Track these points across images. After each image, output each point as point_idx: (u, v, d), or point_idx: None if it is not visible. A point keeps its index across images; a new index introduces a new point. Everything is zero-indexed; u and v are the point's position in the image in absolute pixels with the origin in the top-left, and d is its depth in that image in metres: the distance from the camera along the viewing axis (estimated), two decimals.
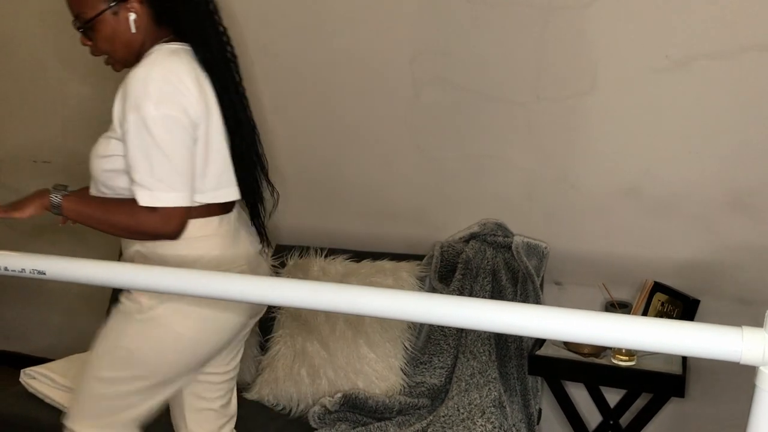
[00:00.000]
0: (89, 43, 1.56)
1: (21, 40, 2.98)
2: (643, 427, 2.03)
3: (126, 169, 1.48)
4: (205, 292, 0.85)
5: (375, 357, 2.26)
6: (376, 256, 2.41)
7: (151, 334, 1.55)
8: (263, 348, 2.47)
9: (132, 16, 1.51)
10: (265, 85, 2.61)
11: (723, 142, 2.09)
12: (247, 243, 1.67)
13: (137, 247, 1.57)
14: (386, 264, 2.37)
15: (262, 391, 2.34)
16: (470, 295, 2.31)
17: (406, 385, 2.26)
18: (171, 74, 1.45)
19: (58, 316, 3.14)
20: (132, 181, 1.46)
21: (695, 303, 2.04)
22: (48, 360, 2.47)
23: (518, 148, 2.32)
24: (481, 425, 2.03)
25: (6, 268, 0.90)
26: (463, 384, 2.18)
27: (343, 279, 2.35)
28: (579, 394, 2.25)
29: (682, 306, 2.05)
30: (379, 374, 2.25)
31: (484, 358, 2.20)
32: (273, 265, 2.50)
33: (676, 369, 1.95)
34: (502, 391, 2.17)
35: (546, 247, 2.28)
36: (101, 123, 1.59)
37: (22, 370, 2.32)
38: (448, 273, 2.34)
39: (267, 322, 2.48)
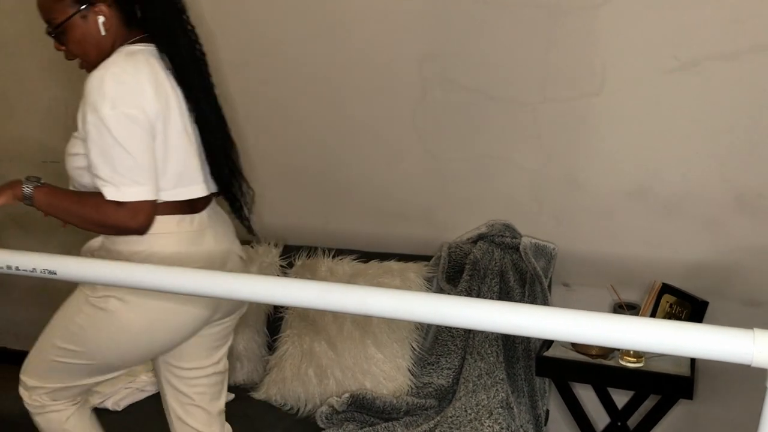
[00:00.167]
0: (62, 47, 1.61)
1: (28, 40, 2.99)
2: (651, 429, 2.02)
3: (89, 167, 1.52)
4: (218, 292, 0.85)
5: (382, 357, 2.26)
6: (383, 256, 2.41)
7: (98, 320, 1.59)
8: (271, 348, 2.47)
9: (101, 19, 1.56)
10: (272, 86, 2.61)
11: (731, 144, 2.08)
12: (213, 242, 1.67)
13: (102, 239, 1.62)
14: (393, 265, 2.37)
15: (270, 391, 2.35)
16: (478, 296, 2.31)
17: (413, 386, 2.26)
18: (125, 74, 1.49)
19: None
20: (97, 178, 1.50)
21: (704, 305, 2.03)
22: None
23: (526, 149, 2.32)
24: (489, 426, 2.03)
25: (17, 268, 0.90)
26: (471, 385, 2.18)
27: (350, 279, 2.36)
28: (587, 395, 2.25)
29: (690, 308, 2.05)
30: (387, 375, 2.25)
31: (491, 359, 2.20)
32: (281, 266, 2.51)
33: (685, 371, 1.94)
34: (510, 392, 2.16)
35: (554, 248, 2.28)
36: None
37: None
38: (456, 274, 2.34)
39: (275, 322, 2.49)
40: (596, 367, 2.00)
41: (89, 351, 1.62)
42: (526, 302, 2.25)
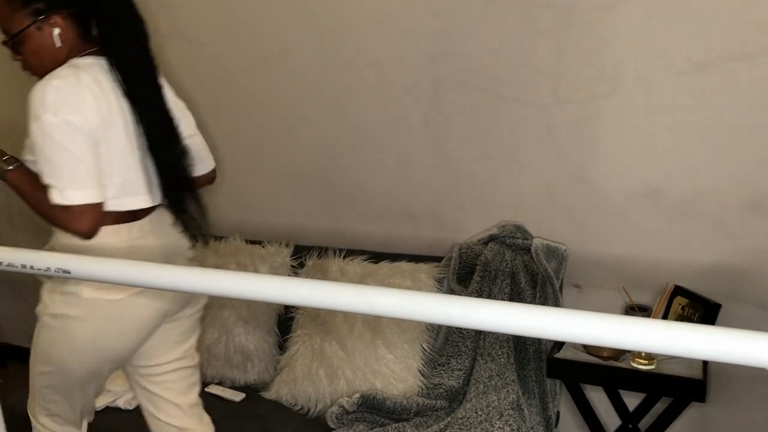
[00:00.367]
0: (19, 57, 1.64)
1: None
2: (663, 431, 2.01)
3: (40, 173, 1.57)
4: (232, 292, 0.86)
5: (393, 358, 2.26)
6: (394, 257, 2.41)
7: (55, 336, 1.65)
8: (282, 348, 2.48)
9: (56, 31, 1.59)
10: (283, 87, 2.62)
11: (744, 145, 2.07)
12: (147, 255, 1.69)
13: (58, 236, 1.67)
14: (404, 265, 2.37)
15: (281, 391, 2.36)
16: (489, 297, 2.30)
17: (423, 387, 2.26)
18: (66, 86, 1.53)
19: None
20: (47, 183, 1.54)
21: (716, 307, 2.02)
22: None
23: (538, 150, 2.31)
24: (499, 428, 2.03)
25: (32, 267, 0.91)
26: (481, 386, 2.17)
27: (361, 280, 2.36)
28: (598, 397, 2.24)
29: (702, 310, 2.03)
30: (397, 375, 2.25)
31: (502, 360, 2.19)
32: (292, 266, 2.52)
33: (697, 373, 1.93)
34: (521, 394, 2.16)
35: (565, 250, 2.27)
36: None
37: None
38: (467, 275, 2.34)
39: (286, 322, 2.49)
40: (608, 369, 2.00)
41: (60, 367, 1.67)
42: (538, 304, 2.24)
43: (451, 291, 2.35)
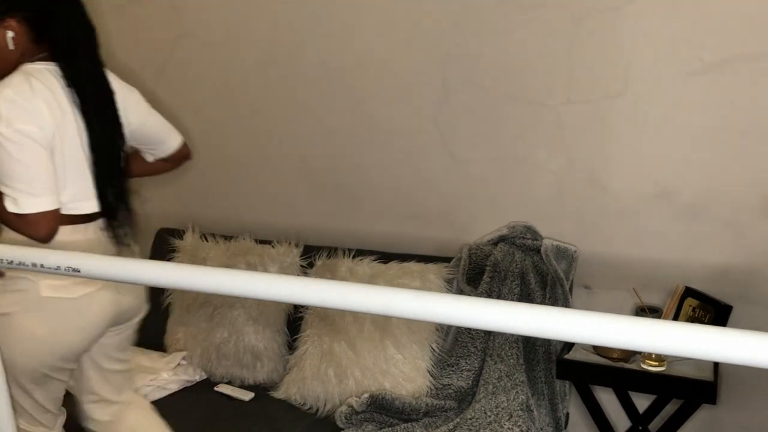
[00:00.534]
0: None
1: None
2: None
3: None
4: (243, 291, 0.86)
5: (402, 358, 2.26)
6: (403, 257, 2.41)
7: (3, 334, 1.66)
8: (291, 347, 2.48)
9: (9, 34, 1.61)
10: (294, 87, 2.62)
11: (756, 146, 2.06)
12: (100, 253, 1.72)
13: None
14: (413, 266, 2.37)
15: (290, 391, 2.36)
16: (498, 298, 2.30)
17: (432, 387, 2.26)
18: (19, 96, 1.55)
19: None
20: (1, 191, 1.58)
21: (727, 309, 2.01)
22: None
23: (548, 150, 2.30)
24: (508, 428, 2.02)
25: (42, 266, 0.92)
26: (491, 387, 2.17)
27: (370, 280, 2.36)
28: (607, 398, 2.23)
29: (713, 312, 2.02)
30: (406, 375, 2.25)
31: (511, 361, 2.19)
32: (301, 266, 2.52)
33: (708, 375, 1.92)
34: (530, 395, 2.16)
35: (575, 251, 2.26)
36: None
37: None
38: (476, 275, 2.33)
39: (295, 321, 2.50)
40: (617, 371, 1.99)
41: (12, 366, 1.66)
42: (547, 305, 2.24)
43: (460, 291, 2.35)
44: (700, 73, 2.08)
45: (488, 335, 2.26)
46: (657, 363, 1.95)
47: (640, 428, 2.10)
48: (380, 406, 2.16)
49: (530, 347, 2.23)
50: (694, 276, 2.16)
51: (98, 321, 1.73)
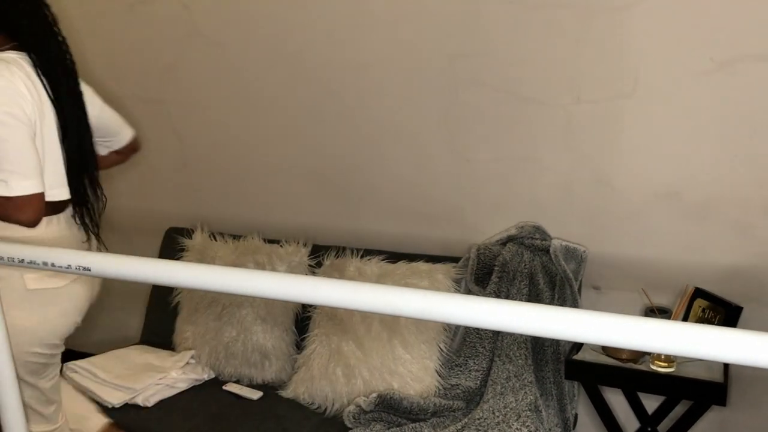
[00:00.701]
0: None
1: None
2: None
3: None
4: (253, 290, 0.86)
5: (410, 358, 2.26)
6: (411, 257, 2.41)
7: None
8: (299, 347, 2.49)
9: None
10: (302, 87, 2.63)
11: (765, 146, 2.05)
12: (66, 246, 1.75)
13: None
14: (422, 266, 2.37)
15: (298, 390, 2.36)
16: (507, 298, 2.30)
17: (441, 387, 2.25)
18: (2, 79, 1.58)
19: (101, 312, 3.20)
20: None
21: (737, 310, 2.00)
22: (90, 355, 2.53)
23: (557, 150, 2.30)
24: (517, 429, 2.02)
25: (53, 264, 0.92)
26: (499, 387, 2.17)
27: (378, 280, 2.36)
28: (616, 399, 2.22)
29: (723, 313, 2.01)
30: (414, 375, 2.25)
31: (520, 361, 2.19)
32: (310, 265, 2.53)
33: (717, 376, 1.91)
34: (538, 395, 2.15)
35: (584, 251, 2.25)
36: None
37: (65, 364, 2.37)
38: (485, 276, 2.33)
39: (303, 321, 2.50)
40: (626, 372, 1.98)
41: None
42: (556, 305, 2.23)
43: (468, 292, 2.34)
44: (710, 73, 2.07)
45: (496, 335, 2.26)
46: (666, 364, 1.94)
47: (649, 429, 2.09)
48: (388, 406, 2.16)
49: (539, 348, 2.22)
50: (704, 277, 2.15)
51: (81, 304, 1.83)
